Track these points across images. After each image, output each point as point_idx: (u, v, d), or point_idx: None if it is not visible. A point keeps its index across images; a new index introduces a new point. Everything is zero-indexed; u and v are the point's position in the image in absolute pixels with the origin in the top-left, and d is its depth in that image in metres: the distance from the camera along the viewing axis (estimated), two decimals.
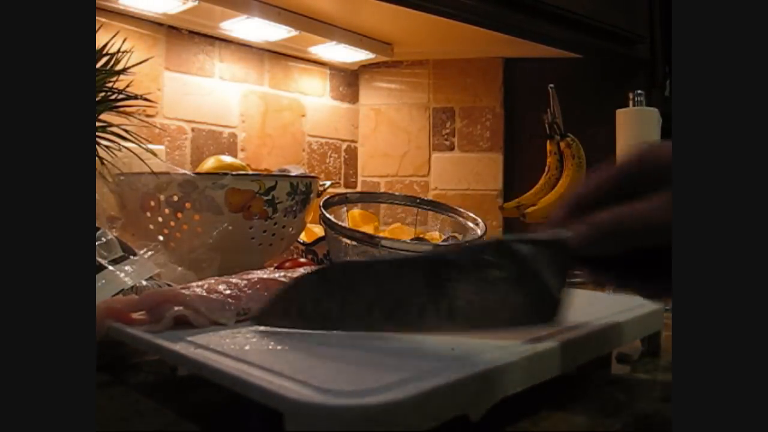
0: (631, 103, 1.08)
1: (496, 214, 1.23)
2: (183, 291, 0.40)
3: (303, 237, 0.88)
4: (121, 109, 0.66)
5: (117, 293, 0.47)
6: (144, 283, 0.50)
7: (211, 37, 1.12)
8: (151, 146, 0.69)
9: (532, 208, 1.00)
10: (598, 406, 0.35)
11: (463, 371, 0.28)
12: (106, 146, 0.63)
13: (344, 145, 1.38)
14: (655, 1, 1.27)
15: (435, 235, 0.86)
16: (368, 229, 0.88)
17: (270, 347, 0.33)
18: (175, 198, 0.66)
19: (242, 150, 1.18)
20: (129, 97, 0.65)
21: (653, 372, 0.42)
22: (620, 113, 1.09)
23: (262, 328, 0.37)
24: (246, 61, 1.18)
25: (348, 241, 0.69)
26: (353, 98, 1.39)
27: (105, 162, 0.63)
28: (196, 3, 0.94)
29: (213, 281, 0.43)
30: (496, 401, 0.29)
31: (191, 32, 1.09)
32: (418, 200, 0.88)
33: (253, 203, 0.68)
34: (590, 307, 0.43)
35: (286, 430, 0.25)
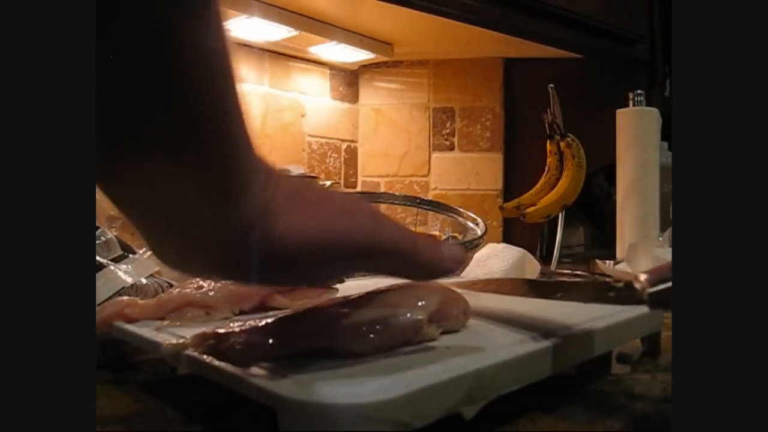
0: (631, 103, 1.08)
1: (496, 214, 1.23)
2: (198, 291, 0.41)
3: None
4: None
5: (117, 291, 0.47)
6: (144, 281, 0.50)
7: None
8: None
9: (532, 209, 1.00)
10: (598, 406, 0.35)
11: (456, 370, 0.28)
12: None
13: (344, 145, 1.38)
14: (655, 1, 1.27)
15: (435, 235, 0.86)
16: None
17: None
18: None
19: None
20: None
21: (653, 372, 0.42)
22: (620, 113, 1.09)
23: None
24: (246, 61, 1.18)
25: None
26: (353, 98, 1.39)
27: None
28: None
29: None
30: (489, 400, 0.29)
31: None
32: (418, 200, 0.88)
33: None
34: (589, 306, 0.43)
35: (280, 428, 0.25)
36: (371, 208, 0.32)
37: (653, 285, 0.31)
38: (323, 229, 0.28)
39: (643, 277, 0.32)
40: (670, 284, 0.30)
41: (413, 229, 0.88)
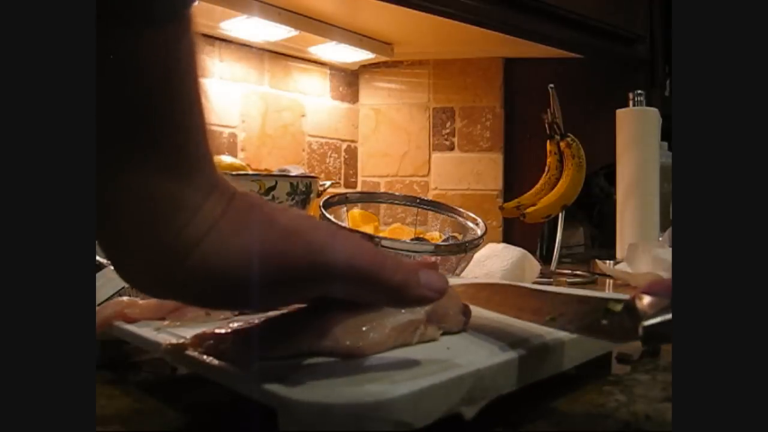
0: (631, 103, 1.08)
1: (496, 214, 1.23)
2: None
3: None
4: None
5: (117, 291, 0.47)
6: None
7: (211, 37, 1.12)
8: None
9: (532, 209, 1.00)
10: (598, 406, 0.35)
11: (456, 370, 0.28)
12: None
13: (344, 145, 1.38)
14: (655, 1, 1.27)
15: (435, 235, 0.86)
16: (368, 229, 0.88)
17: None
18: None
19: (242, 150, 1.18)
20: None
21: (653, 372, 0.42)
22: (620, 113, 1.09)
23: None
24: (246, 61, 1.18)
25: None
26: (353, 98, 1.39)
27: None
28: (195, 3, 0.94)
29: None
30: (489, 400, 0.29)
31: None
32: (418, 200, 0.88)
33: None
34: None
35: (280, 428, 0.25)
36: (328, 228, 0.30)
37: (655, 313, 0.27)
38: (262, 253, 0.26)
39: (646, 300, 0.29)
40: (668, 316, 0.27)
41: (413, 230, 0.88)
